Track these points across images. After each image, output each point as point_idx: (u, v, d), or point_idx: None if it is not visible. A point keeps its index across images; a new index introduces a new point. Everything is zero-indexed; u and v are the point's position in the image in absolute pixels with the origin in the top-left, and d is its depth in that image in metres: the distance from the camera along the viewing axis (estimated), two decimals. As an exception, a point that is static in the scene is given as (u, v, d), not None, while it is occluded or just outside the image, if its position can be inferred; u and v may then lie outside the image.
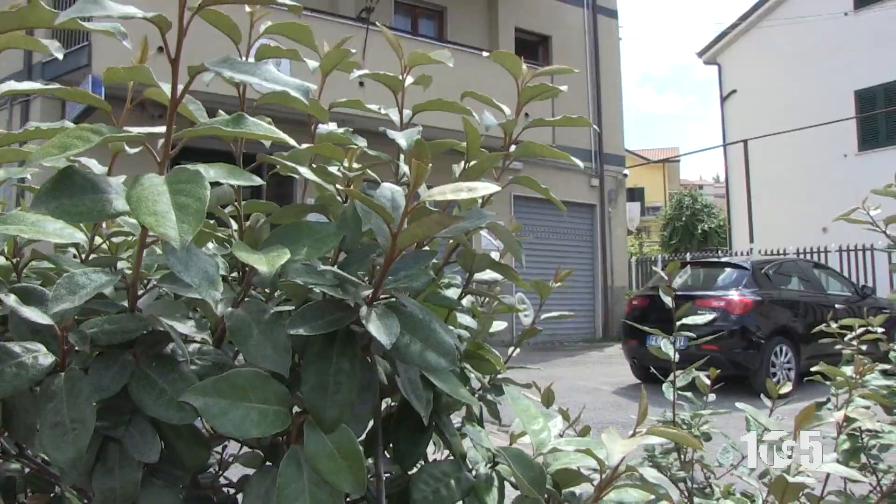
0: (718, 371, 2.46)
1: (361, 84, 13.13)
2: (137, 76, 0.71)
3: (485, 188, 0.70)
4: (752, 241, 20.94)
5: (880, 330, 2.42)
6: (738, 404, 1.06)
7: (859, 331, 2.45)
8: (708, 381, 2.43)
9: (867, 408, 1.96)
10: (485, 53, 1.00)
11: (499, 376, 1.59)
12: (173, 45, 0.68)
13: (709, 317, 2.34)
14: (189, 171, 0.65)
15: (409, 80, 1.02)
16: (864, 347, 2.41)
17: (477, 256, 0.97)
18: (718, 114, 25.64)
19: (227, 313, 0.80)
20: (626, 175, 18.94)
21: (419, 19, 16.35)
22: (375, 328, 0.72)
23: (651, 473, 0.73)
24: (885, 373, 2.14)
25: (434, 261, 1.06)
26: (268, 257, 0.75)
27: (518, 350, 1.64)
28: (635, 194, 27.14)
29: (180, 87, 0.68)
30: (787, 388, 2.14)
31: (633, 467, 0.74)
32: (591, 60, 18.24)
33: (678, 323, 2.23)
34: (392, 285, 0.78)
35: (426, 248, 1.12)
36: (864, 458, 1.95)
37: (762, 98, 23.01)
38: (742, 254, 19.47)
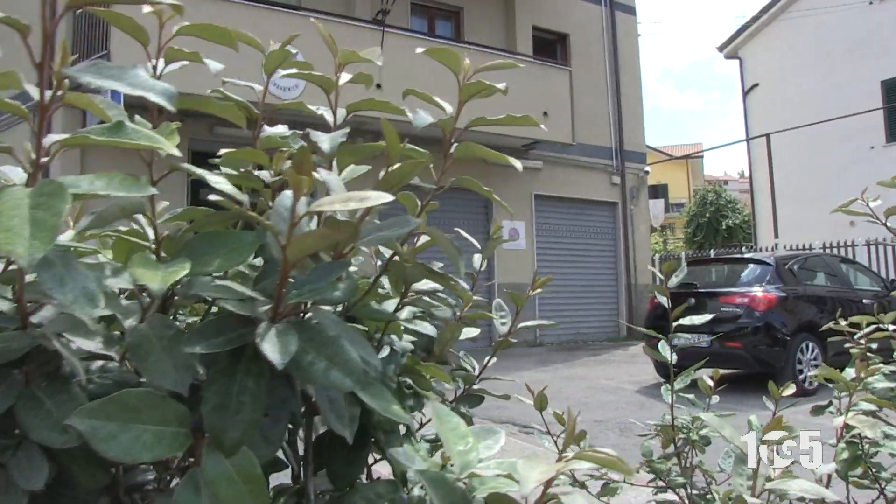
0: (722, 371, 2.36)
1: (379, 86, 13.14)
2: (7, 81, 0.67)
3: (377, 197, 0.65)
4: (776, 236, 20.64)
5: (892, 327, 2.31)
6: (701, 415, 0.99)
7: (868, 329, 2.34)
8: (711, 383, 2.35)
9: (872, 413, 1.87)
10: (419, 49, 0.94)
11: (474, 386, 1.54)
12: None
13: (708, 317, 2.26)
14: (53, 184, 0.60)
15: (345, 78, 0.97)
16: (874, 346, 2.31)
17: (409, 267, 0.91)
18: (741, 108, 25.35)
19: (129, 329, 0.76)
20: (647, 172, 18.76)
21: (436, 20, 16.32)
22: (269, 346, 0.67)
23: (578, 502, 0.67)
24: (892, 374, 2.04)
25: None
26: (164, 273, 0.71)
27: (495, 359, 1.59)
28: (659, 191, 26.91)
29: (48, 93, 0.64)
30: (790, 391, 2.05)
31: (556, 495, 0.68)
32: (609, 58, 18.09)
33: (674, 324, 2.16)
34: (295, 299, 0.73)
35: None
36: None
37: (785, 91, 22.68)
38: (767, 249, 19.21)
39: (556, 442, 2.10)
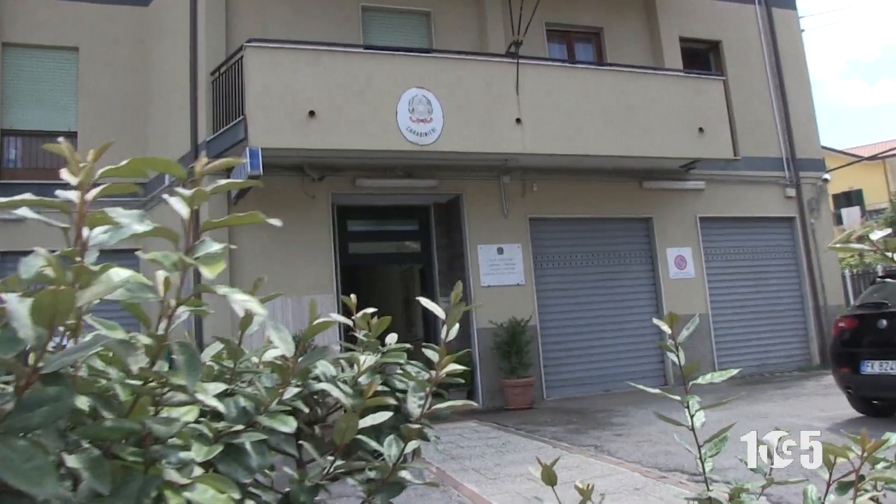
0: None
1: (518, 121, 12.69)
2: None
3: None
4: None
5: None
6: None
7: None
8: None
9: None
10: (123, 162, 0.56)
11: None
12: None
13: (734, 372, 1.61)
14: None
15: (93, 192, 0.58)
16: None
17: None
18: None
19: None
20: (826, 180, 16.84)
21: (575, 44, 15.70)
22: None
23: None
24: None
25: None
26: None
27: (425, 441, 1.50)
28: (852, 198, 24.32)
29: None
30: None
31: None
32: (770, 60, 16.62)
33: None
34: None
35: None
36: None
37: None
38: None
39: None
